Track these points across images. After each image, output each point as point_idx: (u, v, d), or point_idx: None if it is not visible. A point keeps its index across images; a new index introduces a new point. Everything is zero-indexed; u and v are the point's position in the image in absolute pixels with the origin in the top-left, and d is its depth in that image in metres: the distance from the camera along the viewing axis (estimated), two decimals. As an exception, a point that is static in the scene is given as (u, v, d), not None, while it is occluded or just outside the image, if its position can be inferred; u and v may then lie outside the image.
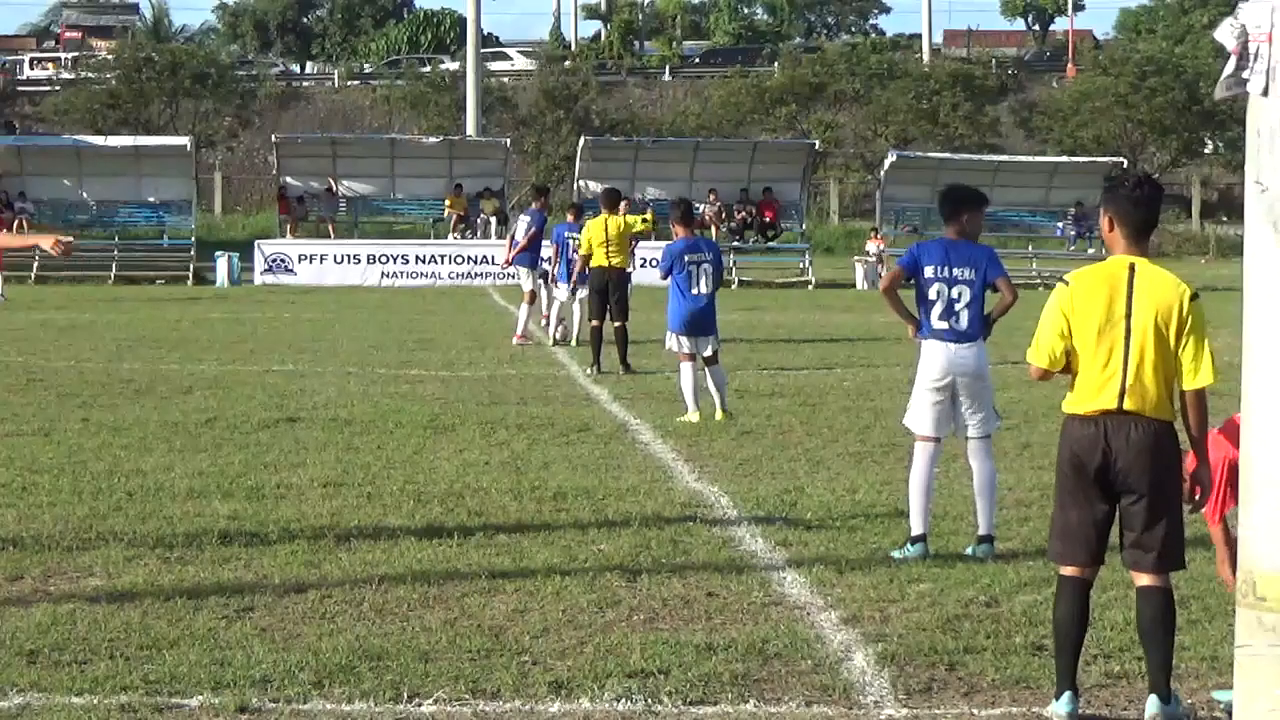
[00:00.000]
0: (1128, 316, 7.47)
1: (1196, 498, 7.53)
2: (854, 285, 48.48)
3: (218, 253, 48.22)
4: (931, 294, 11.08)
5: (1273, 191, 6.19)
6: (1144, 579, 7.52)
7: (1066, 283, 7.64)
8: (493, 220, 51.85)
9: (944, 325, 11.07)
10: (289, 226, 51.53)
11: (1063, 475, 7.61)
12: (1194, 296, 7.49)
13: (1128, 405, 7.44)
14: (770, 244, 52.92)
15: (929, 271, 11.09)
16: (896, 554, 10.80)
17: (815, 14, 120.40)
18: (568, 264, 25.99)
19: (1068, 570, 7.60)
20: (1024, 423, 16.97)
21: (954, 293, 11.04)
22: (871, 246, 50.20)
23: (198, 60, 76.82)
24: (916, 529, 10.94)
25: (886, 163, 52.32)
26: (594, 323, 22.88)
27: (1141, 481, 7.43)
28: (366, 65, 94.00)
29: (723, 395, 17.69)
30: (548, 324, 27.67)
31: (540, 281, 28.14)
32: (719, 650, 8.54)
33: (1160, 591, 7.49)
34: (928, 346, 11.17)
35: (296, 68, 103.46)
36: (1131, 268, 7.53)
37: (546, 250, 27.85)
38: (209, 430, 16.34)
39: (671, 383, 19.25)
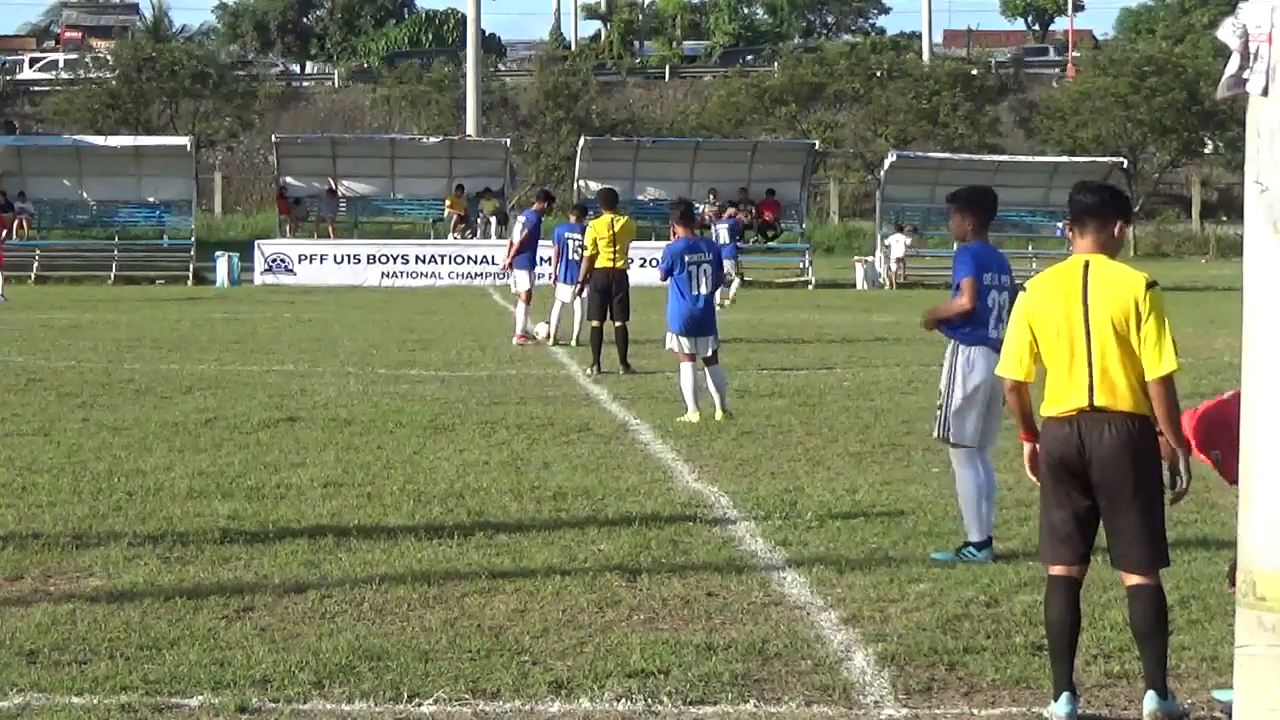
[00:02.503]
0: (1085, 313, 7.49)
1: (1176, 489, 7.51)
2: (854, 285, 48.48)
3: (218, 253, 48.26)
4: (989, 301, 10.91)
5: (1273, 191, 6.19)
6: (1132, 578, 7.53)
7: (1025, 290, 7.73)
8: (493, 220, 51.89)
9: (996, 334, 10.69)
10: (289, 227, 51.56)
11: (1043, 476, 7.64)
12: (1151, 285, 7.48)
13: (1098, 402, 7.45)
14: (770, 244, 52.95)
15: (988, 279, 10.97)
16: (940, 555, 10.71)
17: (815, 14, 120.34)
18: (568, 265, 25.99)
19: (1056, 570, 7.63)
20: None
21: (1003, 299, 10.96)
22: (898, 240, 49.78)
23: (197, 60, 76.80)
24: (983, 533, 10.86)
25: (886, 163, 52.35)
26: (595, 323, 22.87)
27: (1118, 479, 7.42)
28: (367, 64, 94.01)
29: (723, 395, 17.69)
30: (547, 324, 27.69)
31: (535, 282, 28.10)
32: (719, 650, 8.54)
33: (1150, 589, 7.50)
34: (980, 354, 10.93)
35: (296, 68, 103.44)
36: (1086, 265, 7.57)
37: (546, 251, 27.89)
38: (209, 430, 16.34)
39: (671, 383, 19.25)
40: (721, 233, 40.05)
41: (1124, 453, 7.40)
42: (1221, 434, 7.75)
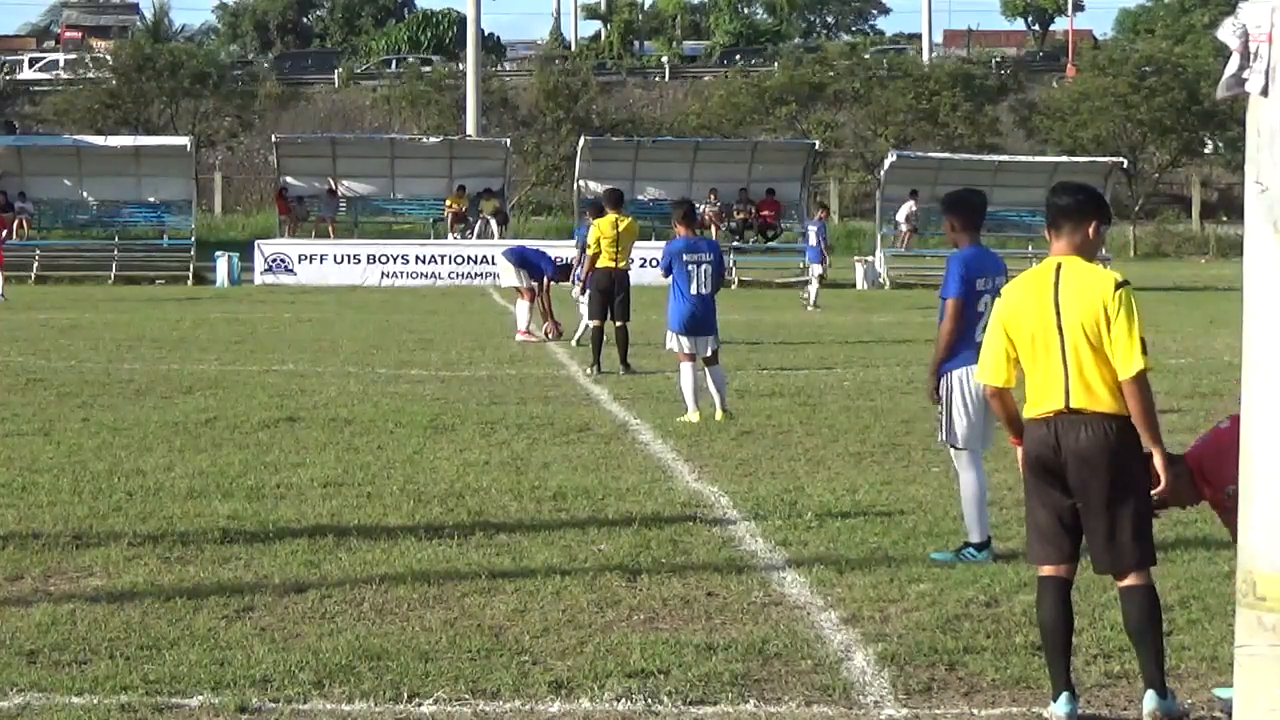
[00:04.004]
0: (1057, 316, 7.49)
1: (1157, 489, 7.50)
2: (854, 285, 48.47)
3: (218, 253, 48.26)
4: (980, 306, 10.76)
5: (1273, 191, 6.19)
6: (1122, 580, 7.54)
7: (1001, 295, 7.78)
8: (493, 220, 51.86)
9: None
10: (289, 227, 51.56)
11: (1025, 477, 7.67)
12: (1120, 285, 7.47)
13: (1074, 403, 7.45)
14: (770, 244, 52.98)
15: (980, 284, 10.84)
16: (940, 555, 10.72)
17: (815, 14, 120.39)
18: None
19: (1045, 570, 7.64)
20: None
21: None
22: (906, 205, 50.77)
23: (197, 60, 76.80)
24: (983, 535, 10.87)
25: (886, 163, 52.34)
26: (595, 323, 22.87)
27: (1093, 480, 7.42)
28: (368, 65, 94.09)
29: (723, 395, 17.69)
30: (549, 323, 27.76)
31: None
32: (719, 650, 8.54)
33: (1141, 589, 7.50)
34: (974, 357, 10.82)
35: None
36: (1058, 267, 7.57)
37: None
38: (209, 430, 16.34)
39: (671, 383, 19.25)
40: (811, 234, 40.46)
41: (1099, 454, 7.40)
42: (1226, 465, 7.65)
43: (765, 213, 52.52)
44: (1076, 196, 7.70)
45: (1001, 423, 7.90)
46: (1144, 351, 7.40)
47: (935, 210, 50.03)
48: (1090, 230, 7.62)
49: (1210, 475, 7.63)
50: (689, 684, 7.99)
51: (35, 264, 47.55)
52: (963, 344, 10.89)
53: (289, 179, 52.68)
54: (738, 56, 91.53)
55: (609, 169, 50.29)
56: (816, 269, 39.85)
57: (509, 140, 57.50)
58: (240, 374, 21.74)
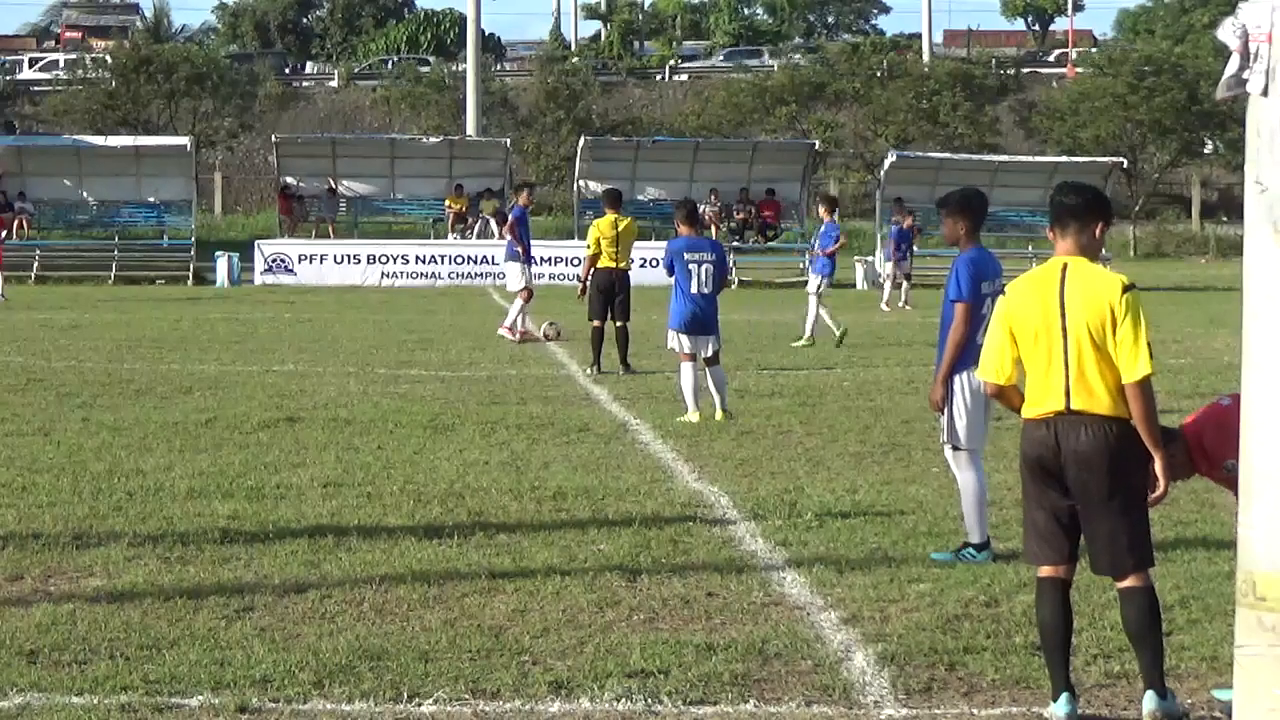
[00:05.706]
0: (1062, 317, 7.48)
1: (1155, 493, 7.51)
2: (854, 285, 48.46)
3: (218, 253, 48.26)
4: (984, 309, 10.63)
5: (1273, 191, 6.19)
6: (1122, 581, 7.54)
7: (1005, 293, 7.77)
8: (492, 220, 51.88)
9: None
10: (289, 226, 51.56)
11: (1024, 478, 7.67)
12: (1128, 288, 7.46)
13: (1075, 405, 7.45)
14: (770, 244, 52.99)
15: (986, 287, 10.77)
16: (940, 555, 10.72)
17: (815, 14, 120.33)
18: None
19: (1044, 571, 7.65)
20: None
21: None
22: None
23: (191, 63, 76.64)
24: (983, 535, 10.87)
25: (886, 163, 52.31)
26: (596, 323, 22.87)
27: (1092, 482, 7.42)
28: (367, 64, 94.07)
29: (723, 395, 17.69)
30: (554, 324, 27.76)
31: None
32: (719, 650, 8.55)
33: (1140, 591, 7.50)
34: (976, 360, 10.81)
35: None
36: (1064, 267, 7.56)
37: (544, 251, 28.02)
38: (209, 430, 16.34)
39: (671, 383, 19.26)
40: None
41: (1099, 456, 7.40)
42: (1229, 442, 7.67)
43: (766, 213, 52.51)
44: (1084, 196, 7.68)
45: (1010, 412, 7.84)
46: (1150, 356, 7.40)
47: (933, 211, 50.09)
48: (1096, 231, 7.62)
49: (1211, 451, 7.65)
50: (689, 684, 7.99)
51: (35, 264, 47.56)
52: (967, 347, 10.88)
53: (289, 179, 52.69)
54: (742, 60, 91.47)
55: (609, 169, 50.32)
56: (888, 268, 40.40)
57: (509, 140, 57.48)
58: (240, 374, 21.74)
